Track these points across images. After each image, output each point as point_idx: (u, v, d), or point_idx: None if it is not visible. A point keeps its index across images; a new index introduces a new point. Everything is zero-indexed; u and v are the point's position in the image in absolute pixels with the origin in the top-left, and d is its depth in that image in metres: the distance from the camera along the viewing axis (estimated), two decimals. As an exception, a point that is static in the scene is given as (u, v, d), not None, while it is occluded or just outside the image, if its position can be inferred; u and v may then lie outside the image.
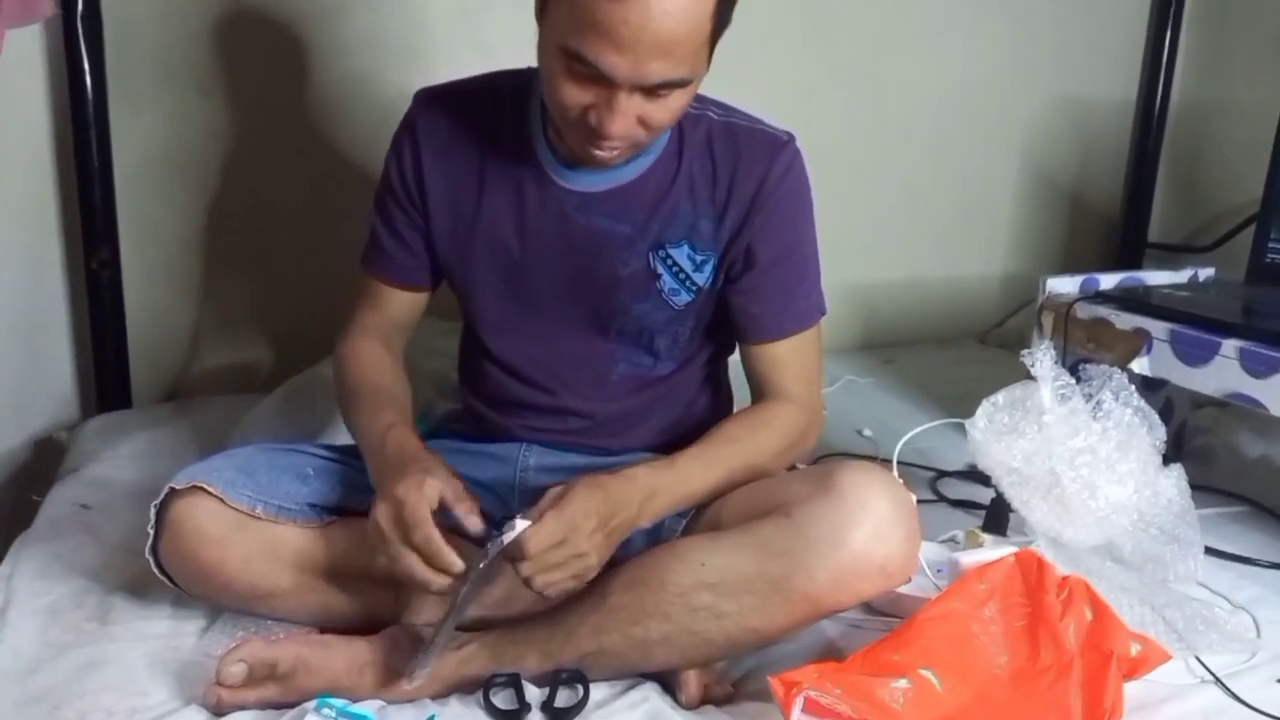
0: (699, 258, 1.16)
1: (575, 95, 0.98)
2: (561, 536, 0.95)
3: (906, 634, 1.00)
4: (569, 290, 1.18)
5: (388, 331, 1.24)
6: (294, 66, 1.81)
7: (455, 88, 1.19)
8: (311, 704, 0.98)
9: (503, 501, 1.20)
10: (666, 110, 1.00)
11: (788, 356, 1.19)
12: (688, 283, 1.17)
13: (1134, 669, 1.04)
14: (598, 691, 1.03)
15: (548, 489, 0.99)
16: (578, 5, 0.93)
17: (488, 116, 1.16)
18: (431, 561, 0.96)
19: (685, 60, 0.96)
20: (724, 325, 1.22)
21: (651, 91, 0.97)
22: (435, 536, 0.95)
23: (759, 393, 1.20)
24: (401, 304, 1.24)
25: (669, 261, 1.16)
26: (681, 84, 0.98)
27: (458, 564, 0.95)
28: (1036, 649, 1.02)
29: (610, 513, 0.99)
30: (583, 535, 0.96)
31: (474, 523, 0.99)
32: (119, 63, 1.69)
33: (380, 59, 1.85)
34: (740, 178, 1.14)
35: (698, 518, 1.12)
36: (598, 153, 1.03)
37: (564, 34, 0.95)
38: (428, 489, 0.97)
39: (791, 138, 1.16)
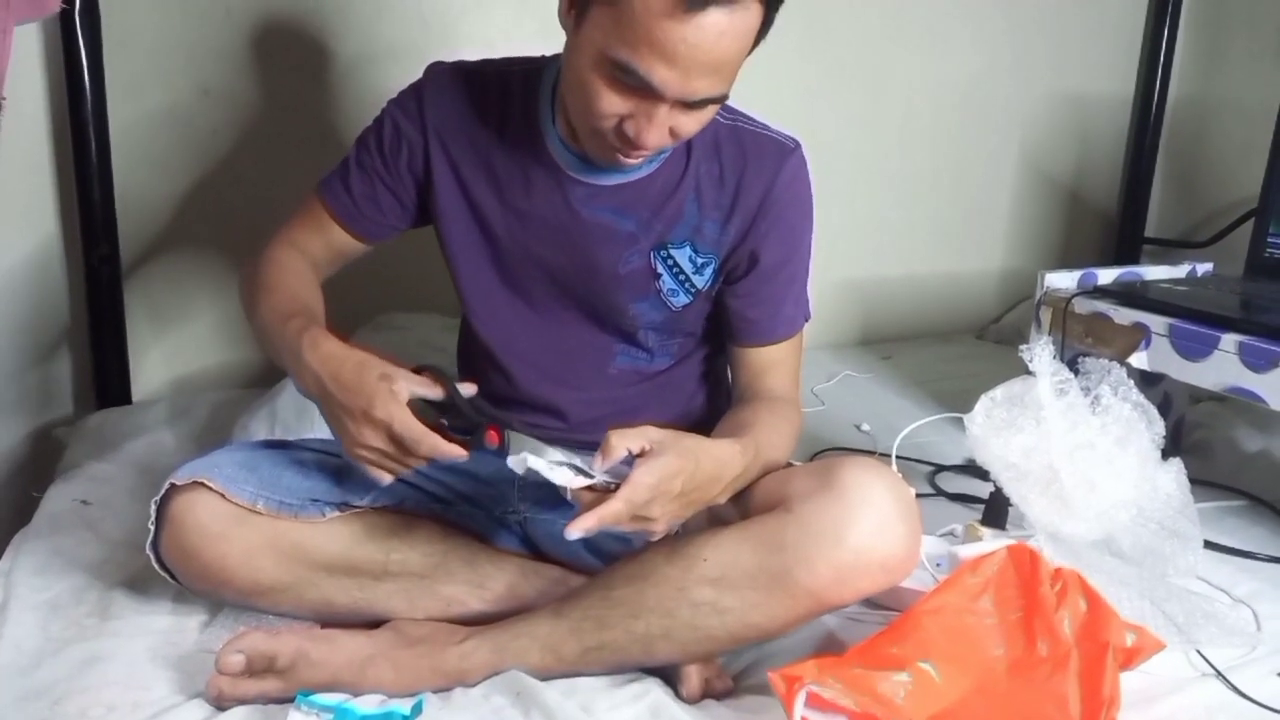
0: (700, 260, 1.16)
1: (613, 104, 0.98)
2: (626, 516, 0.94)
3: (904, 627, 1.00)
4: (567, 282, 1.18)
5: (316, 256, 1.20)
6: (294, 63, 1.81)
7: (468, 67, 1.18)
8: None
9: (501, 496, 1.20)
10: (697, 122, 1.01)
11: (780, 359, 1.21)
12: (687, 284, 1.17)
13: (1130, 659, 1.04)
14: (598, 684, 1.03)
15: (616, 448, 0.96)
16: (633, 19, 0.92)
17: (497, 100, 1.16)
18: (442, 460, 0.99)
19: (729, 78, 0.98)
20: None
21: (691, 105, 0.98)
22: (439, 444, 0.97)
23: (748, 393, 1.21)
24: (339, 240, 1.21)
25: (670, 262, 1.16)
26: (720, 99, 1.00)
27: (463, 453, 0.99)
28: (1033, 641, 1.02)
29: (692, 487, 0.98)
30: (659, 503, 0.96)
31: (467, 388, 1.04)
32: (118, 60, 1.69)
33: (381, 54, 1.85)
34: (747, 183, 1.14)
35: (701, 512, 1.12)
36: (625, 160, 1.04)
37: (611, 44, 0.94)
38: (399, 394, 0.98)
39: (798, 144, 1.17)
